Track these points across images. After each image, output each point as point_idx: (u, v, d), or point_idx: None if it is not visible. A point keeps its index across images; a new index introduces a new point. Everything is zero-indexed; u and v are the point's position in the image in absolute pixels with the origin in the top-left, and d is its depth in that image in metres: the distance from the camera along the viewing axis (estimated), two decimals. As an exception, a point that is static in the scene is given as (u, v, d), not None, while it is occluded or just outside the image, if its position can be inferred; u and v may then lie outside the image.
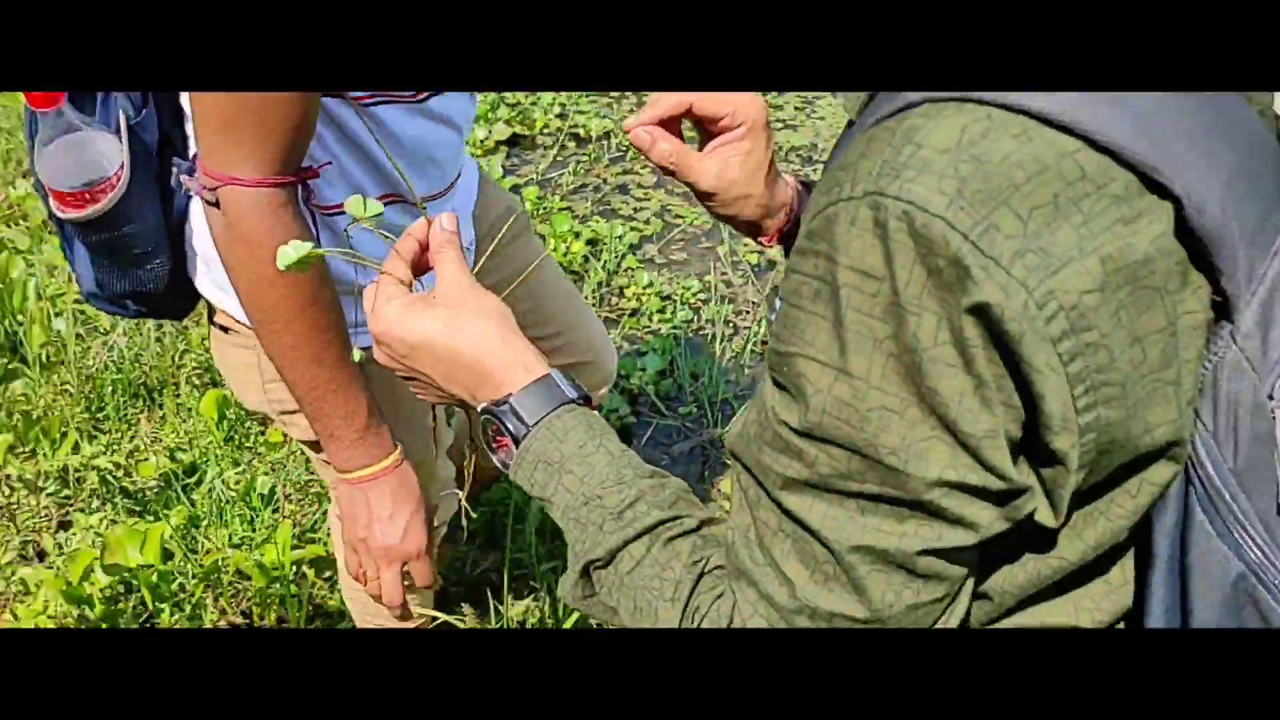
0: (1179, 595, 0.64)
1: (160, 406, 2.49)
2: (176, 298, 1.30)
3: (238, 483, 2.22)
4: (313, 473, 2.21)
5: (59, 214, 1.19)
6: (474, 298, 0.83)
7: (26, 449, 2.32)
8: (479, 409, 0.82)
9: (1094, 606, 0.70)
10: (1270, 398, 0.60)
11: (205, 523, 2.12)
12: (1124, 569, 0.69)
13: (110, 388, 2.49)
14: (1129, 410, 0.59)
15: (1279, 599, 0.61)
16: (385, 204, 0.99)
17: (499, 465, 0.83)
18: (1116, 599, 0.70)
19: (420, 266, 0.89)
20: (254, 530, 2.10)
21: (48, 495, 2.23)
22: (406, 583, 1.27)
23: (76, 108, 1.16)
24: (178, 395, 2.51)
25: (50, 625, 1.82)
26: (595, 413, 0.82)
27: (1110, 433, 0.60)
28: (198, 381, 2.55)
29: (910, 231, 0.57)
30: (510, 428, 0.79)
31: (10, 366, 2.50)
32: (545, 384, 0.80)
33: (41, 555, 2.13)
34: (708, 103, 0.94)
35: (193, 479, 2.25)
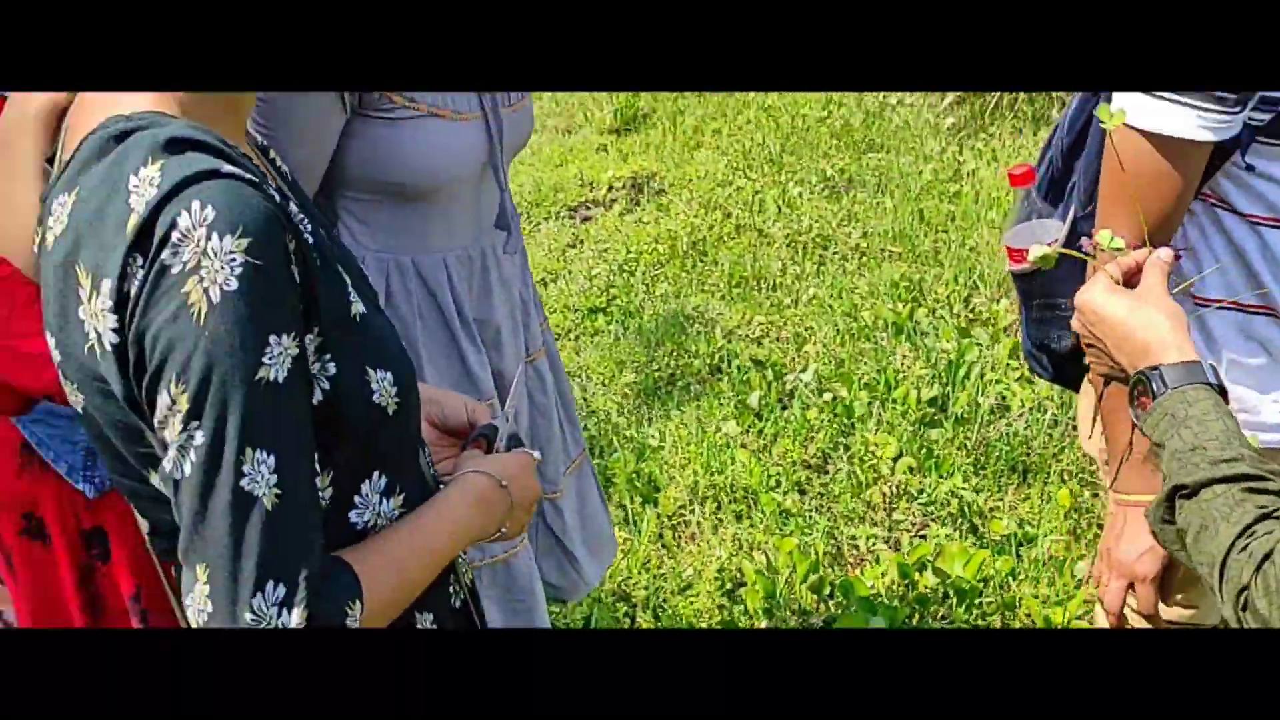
0: None
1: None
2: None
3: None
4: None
5: (1008, 267, 1.50)
6: (1158, 298, 1.08)
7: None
8: (1133, 373, 1.06)
9: None
10: None
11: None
12: None
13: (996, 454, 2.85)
14: None
15: None
16: (1255, 313, 1.34)
17: (1134, 419, 1.06)
18: None
19: (1129, 278, 1.16)
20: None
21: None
22: (1130, 601, 1.44)
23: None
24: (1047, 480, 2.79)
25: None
26: (1223, 396, 1.02)
27: None
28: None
29: None
30: (1154, 388, 1.02)
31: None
32: (1191, 366, 1.02)
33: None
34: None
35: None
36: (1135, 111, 1.23)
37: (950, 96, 5.09)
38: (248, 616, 0.82)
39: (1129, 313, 1.09)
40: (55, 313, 0.87)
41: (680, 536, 2.77)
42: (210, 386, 0.78)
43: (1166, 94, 1.21)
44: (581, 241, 4.44)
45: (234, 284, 0.78)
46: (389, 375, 0.93)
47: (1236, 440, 0.96)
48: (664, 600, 2.55)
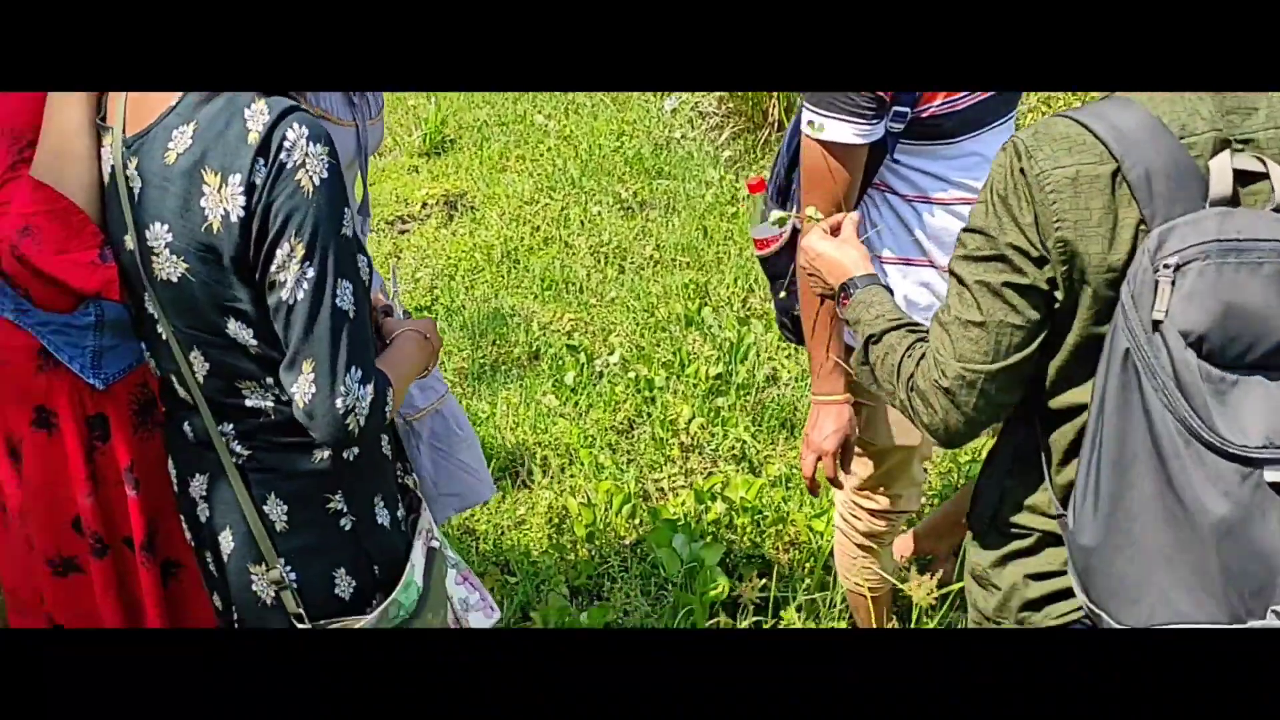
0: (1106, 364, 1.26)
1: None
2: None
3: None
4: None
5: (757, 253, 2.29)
6: (851, 241, 1.69)
7: None
8: (839, 285, 1.65)
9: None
10: (1155, 269, 1.18)
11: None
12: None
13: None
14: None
15: (1148, 371, 1.19)
16: (920, 266, 2.06)
17: (838, 313, 1.66)
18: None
19: (833, 232, 1.74)
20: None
21: None
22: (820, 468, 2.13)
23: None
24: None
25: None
26: (884, 288, 1.62)
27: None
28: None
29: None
30: (850, 290, 1.62)
31: None
32: (871, 275, 1.63)
33: None
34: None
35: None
36: (812, 126, 1.91)
37: (727, 131, 5.83)
38: (341, 389, 1.28)
39: (833, 249, 1.69)
40: (175, 205, 1.31)
41: (514, 485, 3.26)
42: (318, 238, 1.26)
43: (828, 111, 1.88)
44: (402, 251, 4.86)
45: (326, 174, 1.26)
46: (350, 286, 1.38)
47: (897, 310, 1.57)
48: (503, 532, 3.03)
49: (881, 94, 1.84)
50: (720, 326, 4.01)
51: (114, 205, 1.39)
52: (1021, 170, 1.30)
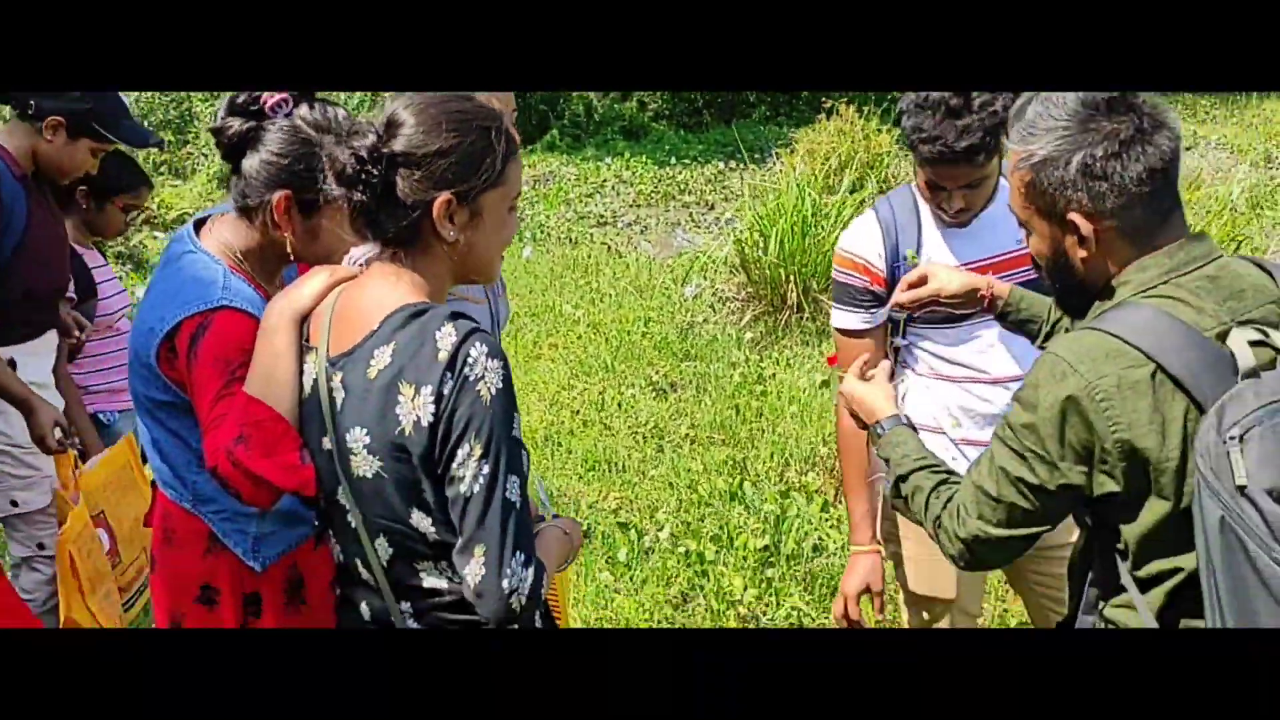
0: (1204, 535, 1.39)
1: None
2: None
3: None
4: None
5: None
6: (881, 383, 1.92)
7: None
8: (872, 424, 1.88)
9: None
10: (1224, 440, 1.33)
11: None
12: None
13: (820, 581, 2.95)
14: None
15: (1248, 533, 1.31)
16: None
17: (874, 448, 1.88)
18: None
19: (864, 374, 1.97)
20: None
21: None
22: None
23: None
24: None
25: None
26: (913, 429, 1.83)
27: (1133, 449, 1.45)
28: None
29: None
30: (879, 431, 1.85)
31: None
32: (894, 416, 1.85)
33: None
34: (927, 290, 2.09)
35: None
36: (833, 316, 2.37)
37: (748, 315, 6.17)
38: (507, 571, 1.47)
39: (866, 391, 1.91)
40: (375, 413, 1.52)
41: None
42: (493, 439, 1.47)
43: (835, 303, 2.36)
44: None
45: (501, 385, 1.48)
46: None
47: (922, 449, 1.78)
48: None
49: (877, 288, 2.26)
50: (763, 499, 4.20)
51: (314, 413, 1.61)
52: (1065, 382, 1.47)
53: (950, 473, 1.73)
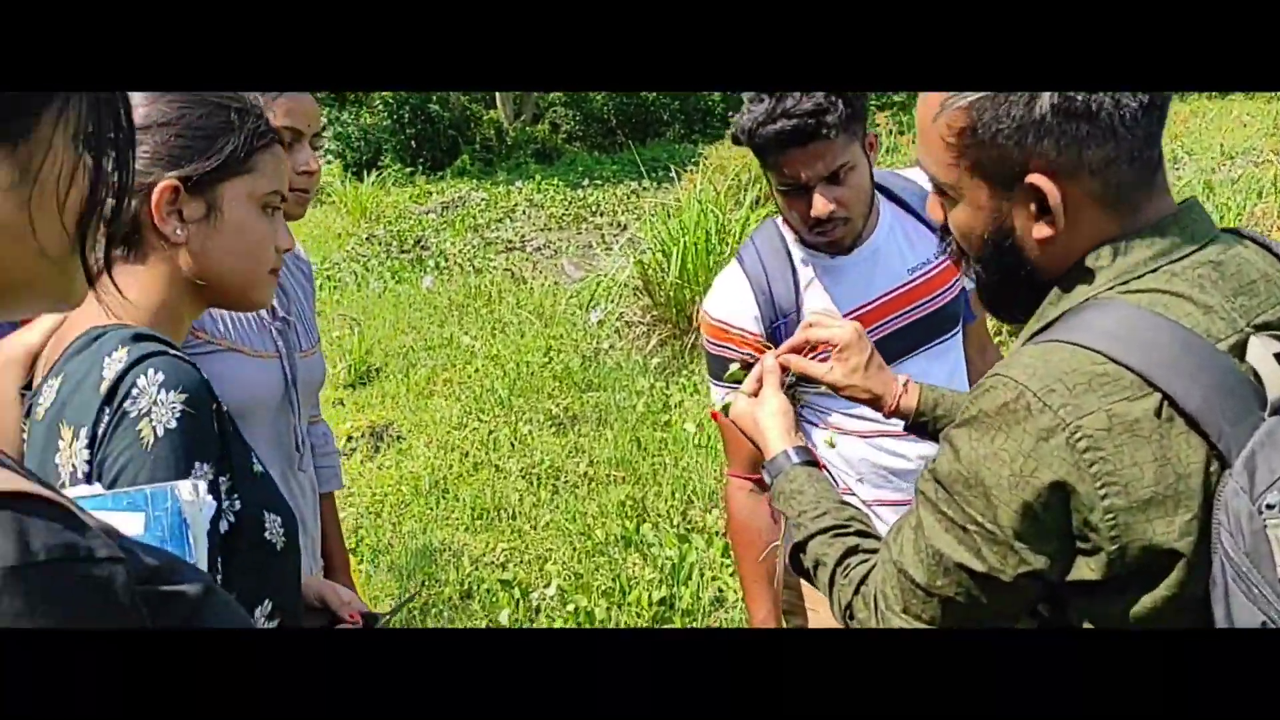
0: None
1: None
2: None
3: None
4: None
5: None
6: (768, 398, 1.44)
7: None
8: (764, 462, 1.41)
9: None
10: (1259, 511, 0.89)
11: None
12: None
13: None
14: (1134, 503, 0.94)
15: None
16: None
17: (769, 495, 1.43)
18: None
19: (756, 391, 1.48)
20: None
21: None
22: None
23: None
24: None
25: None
26: (812, 467, 1.37)
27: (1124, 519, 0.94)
28: None
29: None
30: (769, 479, 1.39)
31: None
32: (785, 454, 1.37)
33: None
34: (817, 335, 1.50)
35: None
36: (712, 393, 1.97)
37: (654, 339, 5.79)
38: None
39: (757, 419, 1.44)
40: (37, 465, 1.12)
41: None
42: None
43: (712, 381, 1.95)
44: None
45: (175, 425, 1.07)
46: (279, 519, 1.22)
47: (825, 500, 1.31)
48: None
49: (758, 356, 1.72)
50: (661, 544, 3.81)
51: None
52: (1029, 421, 0.97)
53: (863, 532, 1.28)
